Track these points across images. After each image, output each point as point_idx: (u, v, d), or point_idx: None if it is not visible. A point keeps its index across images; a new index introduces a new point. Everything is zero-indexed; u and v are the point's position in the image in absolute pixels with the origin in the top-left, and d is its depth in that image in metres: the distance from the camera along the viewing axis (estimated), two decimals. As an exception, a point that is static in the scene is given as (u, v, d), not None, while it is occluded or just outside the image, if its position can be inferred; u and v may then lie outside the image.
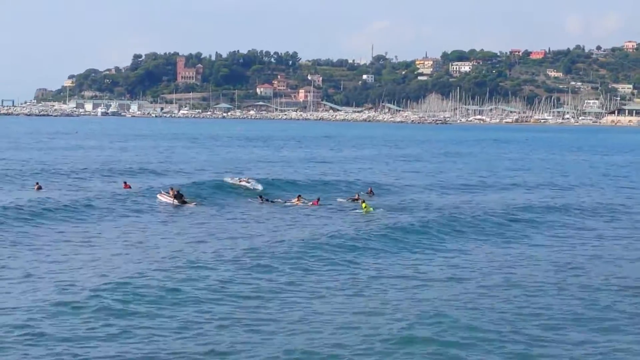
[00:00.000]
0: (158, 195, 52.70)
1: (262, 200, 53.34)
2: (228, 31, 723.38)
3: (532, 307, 25.82)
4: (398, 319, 23.99)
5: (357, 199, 52.54)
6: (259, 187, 59.08)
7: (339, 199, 55.08)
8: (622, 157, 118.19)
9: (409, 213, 47.51)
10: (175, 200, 50.63)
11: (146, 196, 52.61)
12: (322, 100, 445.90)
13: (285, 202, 53.35)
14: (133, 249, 34.89)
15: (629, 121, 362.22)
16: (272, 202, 53.40)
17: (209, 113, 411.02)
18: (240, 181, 60.40)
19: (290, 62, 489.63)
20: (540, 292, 27.93)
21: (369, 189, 60.13)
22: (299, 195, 53.77)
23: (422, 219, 44.20)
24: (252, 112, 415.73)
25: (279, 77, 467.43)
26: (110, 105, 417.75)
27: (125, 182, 57.93)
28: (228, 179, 61.60)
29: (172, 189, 52.87)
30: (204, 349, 21.24)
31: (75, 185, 60.53)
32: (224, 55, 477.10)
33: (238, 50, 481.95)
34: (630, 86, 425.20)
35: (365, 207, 47.77)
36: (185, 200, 51.21)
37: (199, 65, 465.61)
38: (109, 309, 24.46)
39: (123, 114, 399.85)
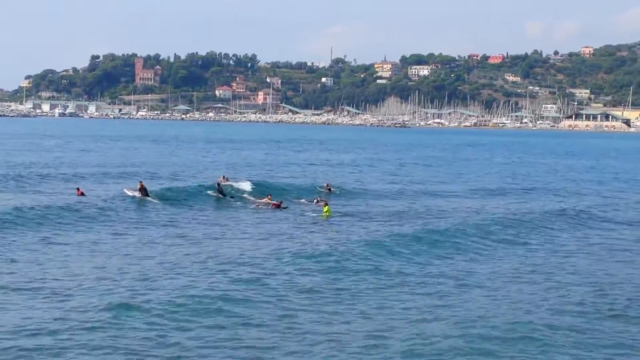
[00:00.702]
0: (124, 189, 53.30)
1: (219, 187, 54.70)
2: (187, 33, 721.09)
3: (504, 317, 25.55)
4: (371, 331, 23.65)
5: (319, 201, 52.53)
6: (246, 185, 59.50)
7: (302, 200, 55.17)
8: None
9: (366, 219, 47.20)
10: (139, 193, 51.56)
11: (99, 204, 48.80)
12: (281, 103, 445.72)
13: (246, 198, 54.09)
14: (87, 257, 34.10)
15: (586, 126, 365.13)
16: (224, 196, 54.31)
17: (167, 115, 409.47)
18: (225, 180, 59.80)
19: (249, 64, 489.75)
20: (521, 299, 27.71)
21: (326, 184, 61.08)
22: (269, 195, 53.75)
23: (384, 225, 44.11)
24: (211, 114, 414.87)
25: (237, 79, 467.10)
26: (68, 106, 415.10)
27: (78, 189, 54.93)
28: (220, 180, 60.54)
29: (140, 182, 53.81)
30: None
31: (27, 188, 58.87)
32: (183, 57, 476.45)
33: (197, 52, 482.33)
34: (587, 91, 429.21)
35: (326, 212, 47.28)
36: (148, 194, 51.81)
37: (157, 66, 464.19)
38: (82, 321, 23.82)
39: (80, 115, 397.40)
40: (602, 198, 63.22)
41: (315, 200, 53.56)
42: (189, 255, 33.69)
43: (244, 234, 40.22)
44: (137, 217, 45.64)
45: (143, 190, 52.14)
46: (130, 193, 52.45)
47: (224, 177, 61.81)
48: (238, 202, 52.80)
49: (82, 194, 53.33)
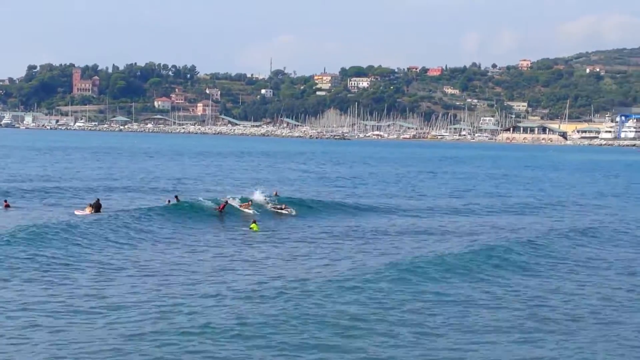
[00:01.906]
0: (75, 211, 50.36)
1: (177, 199, 55.33)
2: (125, 43, 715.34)
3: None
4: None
5: (282, 208, 55.25)
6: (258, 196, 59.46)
7: (269, 205, 56.39)
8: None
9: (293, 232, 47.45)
10: (90, 210, 49.72)
11: (34, 218, 46.22)
12: (220, 114, 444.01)
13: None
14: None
15: (524, 138, 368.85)
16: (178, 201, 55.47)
17: (105, 126, 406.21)
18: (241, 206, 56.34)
19: (189, 75, 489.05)
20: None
21: (275, 191, 62.87)
22: (249, 202, 55.16)
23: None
24: (149, 126, 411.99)
25: (177, 90, 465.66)
26: (4, 116, 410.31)
27: (5, 201, 53.28)
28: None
29: (98, 199, 52.59)
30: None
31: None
32: (121, 68, 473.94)
33: (135, 63, 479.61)
34: (525, 104, 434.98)
35: (254, 227, 47.27)
36: (100, 210, 50.16)
37: (96, 77, 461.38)
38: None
39: (17, 125, 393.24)
40: None
41: (282, 206, 55.50)
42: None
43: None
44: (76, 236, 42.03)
45: (96, 207, 50.11)
46: (81, 213, 49.63)
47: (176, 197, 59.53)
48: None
49: (8, 205, 52.12)
